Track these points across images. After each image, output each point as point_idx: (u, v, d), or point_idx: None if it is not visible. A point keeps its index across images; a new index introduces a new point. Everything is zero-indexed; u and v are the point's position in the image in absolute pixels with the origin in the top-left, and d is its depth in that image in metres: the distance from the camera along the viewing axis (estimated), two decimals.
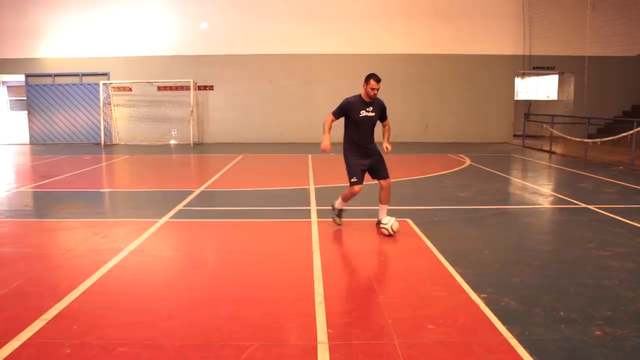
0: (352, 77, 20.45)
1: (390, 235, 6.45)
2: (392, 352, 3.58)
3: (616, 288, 4.80)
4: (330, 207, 7.17)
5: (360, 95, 6.52)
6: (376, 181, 6.81)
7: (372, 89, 6.33)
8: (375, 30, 20.05)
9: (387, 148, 6.64)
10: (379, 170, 6.69)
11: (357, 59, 19.58)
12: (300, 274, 5.17)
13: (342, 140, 6.68)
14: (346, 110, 6.51)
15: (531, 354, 3.51)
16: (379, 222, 6.70)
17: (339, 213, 7.03)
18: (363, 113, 6.46)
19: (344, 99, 6.63)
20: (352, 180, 6.55)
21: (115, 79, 20.23)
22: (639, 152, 13.23)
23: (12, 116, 23.39)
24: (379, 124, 6.74)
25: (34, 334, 3.83)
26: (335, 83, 19.14)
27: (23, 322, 3.99)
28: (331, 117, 6.61)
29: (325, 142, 6.48)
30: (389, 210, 6.82)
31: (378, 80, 6.34)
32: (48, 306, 4.29)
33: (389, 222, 6.50)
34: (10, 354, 3.52)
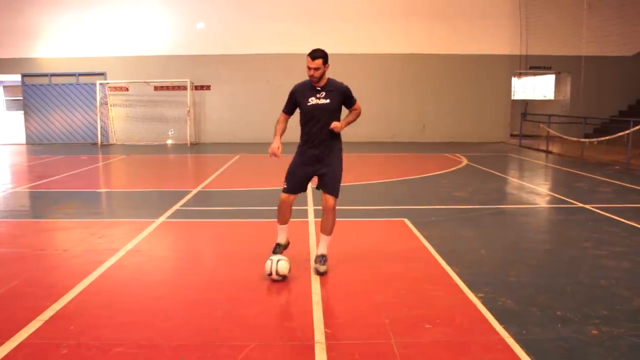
0: (349, 77, 20.49)
1: (275, 279, 4.92)
2: (389, 351, 3.58)
3: (612, 287, 4.81)
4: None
5: (309, 81, 5.18)
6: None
7: (308, 67, 4.97)
8: (372, 30, 20.04)
9: (334, 126, 5.01)
10: (325, 181, 5.15)
11: (354, 59, 19.57)
12: (296, 273, 5.17)
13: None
14: (295, 99, 5.20)
15: (528, 353, 3.51)
16: (316, 259, 5.26)
17: (275, 248, 5.34)
18: (312, 101, 5.06)
19: None
20: (284, 185, 5.23)
21: (111, 79, 20.18)
22: (635, 152, 13.27)
23: (8, 116, 23.37)
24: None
25: (31, 334, 3.82)
26: None
27: (19, 322, 3.98)
28: (282, 115, 5.33)
29: (273, 145, 5.12)
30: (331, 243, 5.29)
31: (313, 57, 4.94)
32: (44, 306, 4.28)
33: (272, 263, 4.92)
34: (6, 355, 3.51)
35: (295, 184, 5.19)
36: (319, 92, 5.09)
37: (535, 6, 19.73)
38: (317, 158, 5.13)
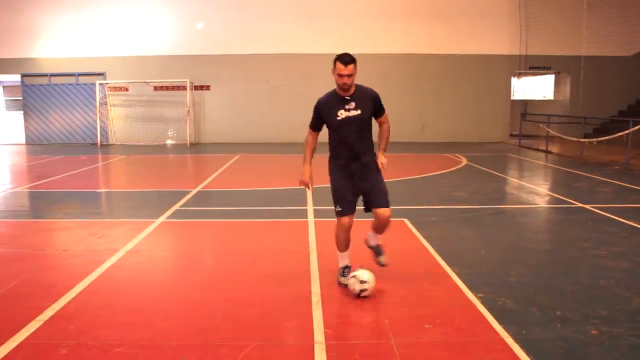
0: None
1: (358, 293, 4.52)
2: (389, 351, 3.58)
3: (612, 287, 4.82)
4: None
5: (335, 90, 4.66)
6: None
7: (340, 75, 4.44)
8: (372, 30, 20.05)
9: (382, 164, 4.64)
10: (373, 196, 4.68)
11: None
12: (296, 273, 5.17)
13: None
14: (320, 115, 4.65)
15: (528, 353, 3.51)
16: (374, 251, 5.05)
17: (343, 271, 4.85)
18: (342, 114, 4.52)
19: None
20: (337, 209, 4.66)
21: (111, 79, 20.18)
22: (635, 152, 13.26)
23: (8, 116, 23.36)
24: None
25: (30, 334, 3.82)
26: (332, 83, 19.13)
27: (19, 322, 3.98)
28: (310, 133, 4.77)
29: (304, 175, 4.70)
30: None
31: (346, 62, 4.41)
32: (44, 307, 4.28)
33: (364, 280, 4.51)
34: (6, 355, 3.51)
35: (348, 202, 4.63)
36: (347, 102, 4.55)
37: (535, 6, 19.73)
38: (357, 174, 4.64)
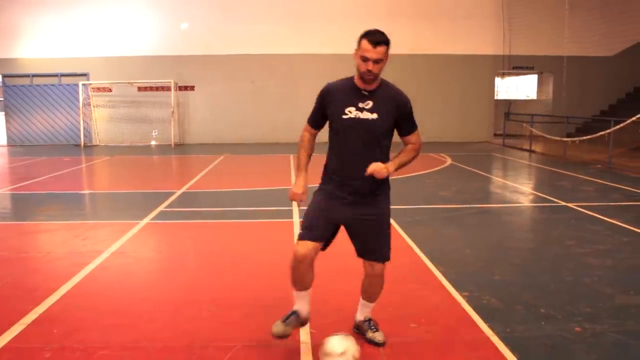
0: (333, 77, 20.52)
1: None
2: (374, 351, 3.59)
3: (595, 285, 4.87)
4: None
5: (352, 79, 3.48)
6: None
7: (365, 58, 3.25)
8: (356, 30, 19.39)
9: (376, 172, 3.21)
10: (366, 244, 3.51)
11: (339, 59, 19.45)
12: (282, 274, 5.15)
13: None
14: (325, 105, 3.40)
15: (512, 351, 3.54)
16: (356, 327, 3.86)
17: (288, 317, 3.57)
18: (351, 112, 3.28)
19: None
20: (300, 232, 3.51)
21: (94, 80, 20.00)
22: (617, 151, 13.43)
23: None
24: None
25: (13, 338, 3.77)
26: (317, 83, 18.90)
27: (2, 326, 3.92)
28: (307, 129, 3.54)
29: (296, 186, 3.48)
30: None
31: (376, 42, 3.22)
32: (27, 310, 4.23)
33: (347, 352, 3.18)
34: None
35: (313, 229, 3.42)
36: (364, 98, 3.34)
37: (518, 7, 19.89)
38: (350, 197, 3.38)
